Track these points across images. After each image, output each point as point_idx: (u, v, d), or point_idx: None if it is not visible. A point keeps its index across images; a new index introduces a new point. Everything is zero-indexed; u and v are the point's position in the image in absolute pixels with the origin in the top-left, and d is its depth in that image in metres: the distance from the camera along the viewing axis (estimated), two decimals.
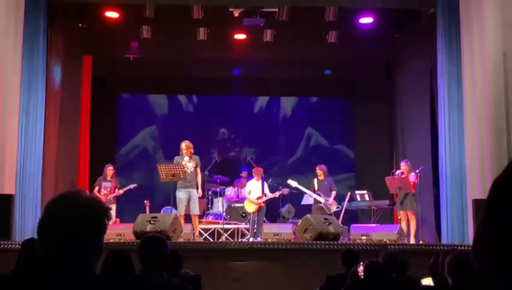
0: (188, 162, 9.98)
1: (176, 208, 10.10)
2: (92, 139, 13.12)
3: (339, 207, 11.17)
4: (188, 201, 9.89)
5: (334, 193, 11.09)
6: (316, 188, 11.11)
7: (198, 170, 10.19)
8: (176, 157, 10.15)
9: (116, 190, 11.26)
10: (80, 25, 12.32)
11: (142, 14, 11.80)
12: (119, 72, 13.91)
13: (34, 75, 10.02)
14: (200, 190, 10.16)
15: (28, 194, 9.73)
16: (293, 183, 11.18)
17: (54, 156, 10.98)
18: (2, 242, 8.25)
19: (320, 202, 10.98)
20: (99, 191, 11.12)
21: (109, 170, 11.33)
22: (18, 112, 9.60)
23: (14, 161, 9.43)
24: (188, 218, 10.16)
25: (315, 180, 11.22)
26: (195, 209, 9.95)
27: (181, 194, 9.92)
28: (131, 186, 11.46)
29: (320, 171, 11.23)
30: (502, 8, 9.11)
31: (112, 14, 11.95)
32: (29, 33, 9.90)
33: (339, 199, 11.41)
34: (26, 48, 9.83)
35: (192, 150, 10.12)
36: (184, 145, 10.10)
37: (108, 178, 11.27)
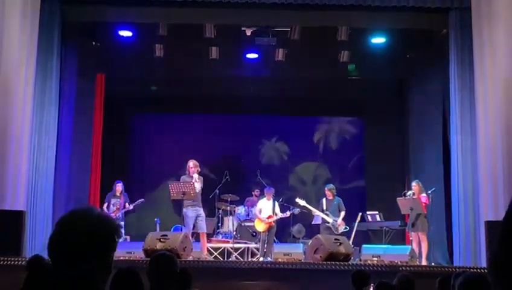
0: (196, 182, 10.02)
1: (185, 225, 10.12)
2: (103, 156, 13.16)
3: (347, 228, 11.07)
4: (196, 220, 9.93)
5: (342, 213, 11.01)
6: (325, 208, 11.05)
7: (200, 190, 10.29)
8: (183, 177, 10.19)
9: (126, 204, 11.28)
10: (94, 43, 12.44)
11: (155, 32, 11.89)
12: (131, 90, 13.99)
13: (47, 92, 10.09)
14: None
15: (39, 210, 9.75)
16: (301, 202, 11.14)
17: (65, 174, 11.02)
18: (12, 259, 8.26)
19: (328, 222, 10.92)
20: (108, 207, 11.12)
21: (118, 186, 11.34)
22: (30, 129, 9.66)
23: (25, 178, 9.47)
24: (196, 236, 10.16)
25: (324, 200, 11.18)
26: (203, 228, 10.02)
27: (189, 213, 9.97)
28: (139, 201, 11.46)
29: (329, 191, 11.20)
30: None
31: (125, 33, 12.06)
32: (43, 51, 9.99)
33: (349, 219, 11.34)
34: (40, 66, 9.91)
35: (199, 169, 10.18)
36: (192, 163, 10.17)
37: (118, 194, 11.27)
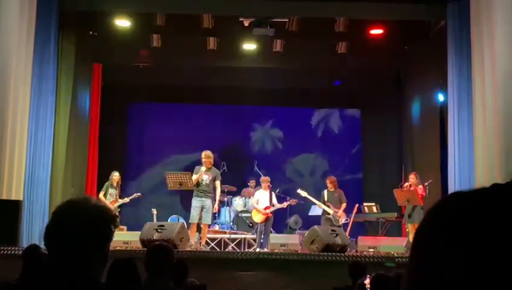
0: (203, 173, 9.97)
1: (183, 216, 10.11)
2: (100, 146, 13.15)
3: (347, 219, 11.10)
4: (201, 210, 9.90)
5: (344, 205, 11.02)
6: (326, 199, 11.06)
7: (217, 183, 10.16)
8: (196, 167, 10.17)
9: (120, 199, 11.18)
10: (91, 32, 12.39)
11: (152, 22, 11.85)
12: (128, 80, 13.97)
13: (44, 82, 10.07)
14: (216, 205, 10.18)
15: (36, 200, 9.75)
16: (303, 193, 11.14)
17: (62, 163, 11.00)
18: (9, 248, 8.26)
19: (329, 213, 10.93)
20: (105, 195, 11.02)
21: (115, 176, 11.25)
22: (28, 118, 9.64)
23: (22, 167, 9.46)
24: (198, 227, 10.16)
25: (325, 191, 11.17)
26: (207, 219, 10.00)
27: (195, 203, 9.95)
28: (136, 195, 11.37)
29: (330, 183, 11.20)
30: None
31: (122, 23, 12.01)
32: (40, 40, 9.96)
33: (346, 210, 11.36)
34: (37, 55, 9.88)
35: (211, 160, 10.10)
36: (203, 154, 10.12)
37: (115, 184, 11.19)
